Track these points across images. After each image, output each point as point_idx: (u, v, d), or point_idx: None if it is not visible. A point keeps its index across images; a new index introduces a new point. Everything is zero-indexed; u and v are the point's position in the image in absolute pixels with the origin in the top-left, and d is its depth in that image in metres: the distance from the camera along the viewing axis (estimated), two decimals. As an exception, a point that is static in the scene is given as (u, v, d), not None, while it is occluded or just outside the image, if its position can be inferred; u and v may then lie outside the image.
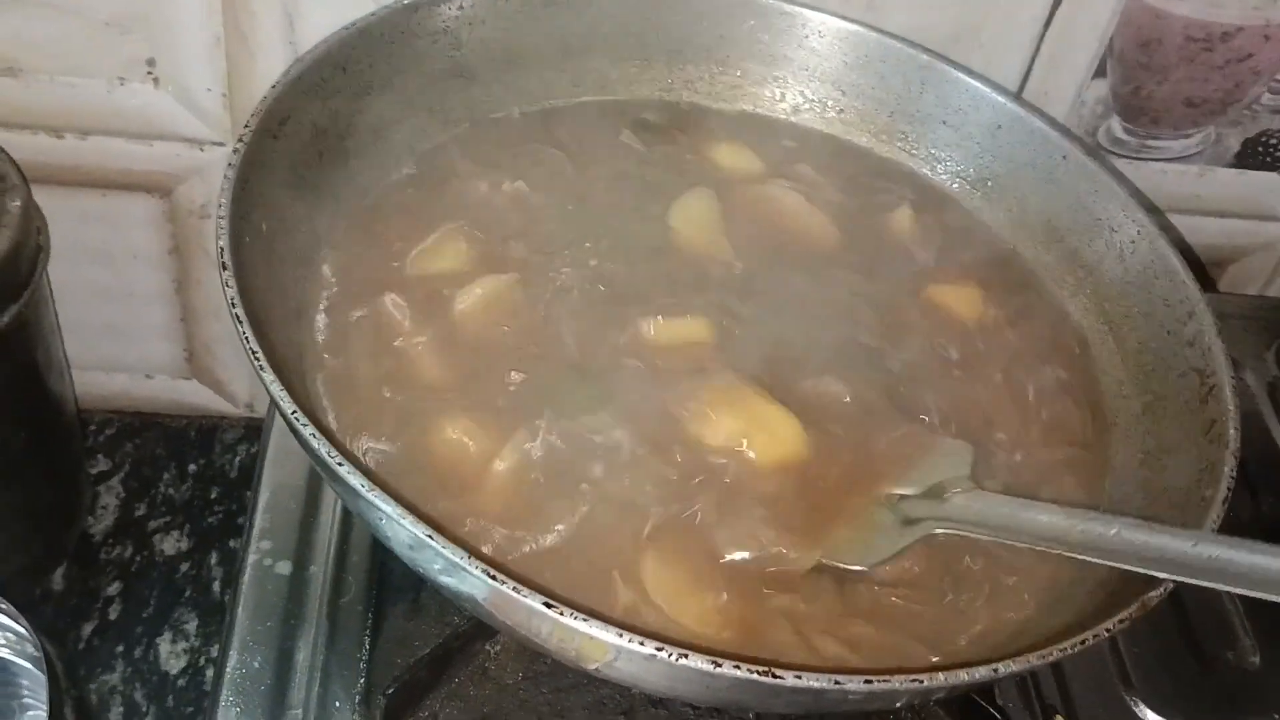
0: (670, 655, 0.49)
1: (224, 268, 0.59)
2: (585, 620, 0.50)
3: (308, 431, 0.54)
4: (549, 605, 0.50)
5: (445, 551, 0.51)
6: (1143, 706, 0.76)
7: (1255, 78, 1.00)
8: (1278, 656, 0.80)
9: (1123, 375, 0.78)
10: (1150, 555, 0.60)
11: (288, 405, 0.55)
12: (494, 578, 0.51)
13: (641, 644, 0.49)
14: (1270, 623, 0.81)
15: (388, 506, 0.52)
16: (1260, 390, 0.99)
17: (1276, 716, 0.77)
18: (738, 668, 0.49)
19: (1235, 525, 0.86)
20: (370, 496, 0.53)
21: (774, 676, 0.49)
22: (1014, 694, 0.74)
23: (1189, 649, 0.80)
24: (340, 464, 0.53)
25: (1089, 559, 0.61)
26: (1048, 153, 0.85)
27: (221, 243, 0.61)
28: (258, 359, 0.56)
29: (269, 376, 0.56)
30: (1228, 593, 0.59)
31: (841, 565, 0.65)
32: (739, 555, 0.64)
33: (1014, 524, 0.65)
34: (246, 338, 0.57)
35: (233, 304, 0.58)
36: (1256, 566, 0.56)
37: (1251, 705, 0.78)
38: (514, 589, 0.50)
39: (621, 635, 0.50)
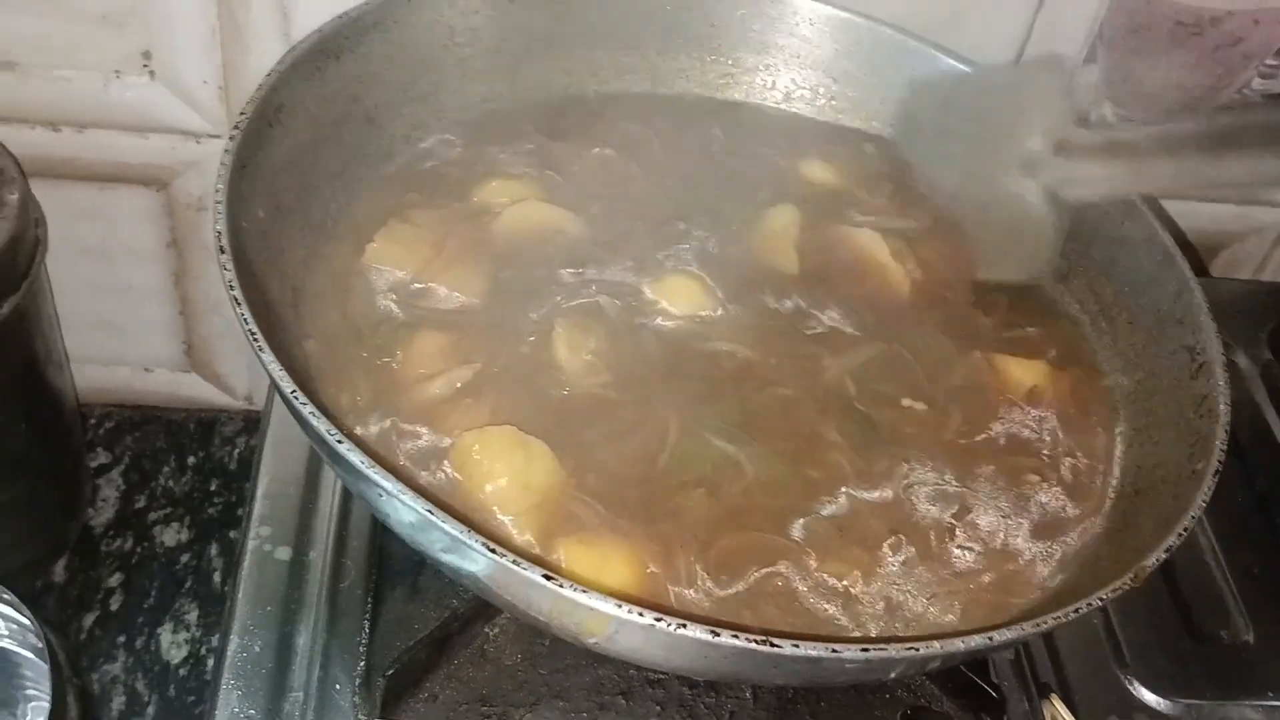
0: (669, 625, 0.50)
1: (222, 251, 0.60)
2: (585, 592, 0.50)
3: (307, 410, 0.55)
4: (548, 578, 0.51)
5: (446, 527, 0.52)
6: (1137, 684, 0.76)
7: (1245, 62, 1.01)
8: (1271, 633, 0.80)
9: (1113, 354, 0.79)
10: None
11: (287, 385, 0.55)
12: (494, 552, 0.51)
13: (640, 615, 0.50)
14: (1263, 599, 0.82)
15: (388, 483, 0.53)
16: (1254, 374, 1.00)
17: (1270, 694, 0.78)
18: (736, 637, 0.50)
19: (1231, 509, 0.88)
20: (371, 473, 0.53)
21: (772, 645, 0.50)
22: (1009, 672, 0.74)
23: (1183, 626, 0.80)
24: (340, 442, 0.54)
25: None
26: (1038, 136, 0.85)
27: (219, 227, 0.61)
28: (256, 340, 0.56)
29: (268, 356, 0.56)
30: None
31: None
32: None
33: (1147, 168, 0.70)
34: (245, 319, 0.57)
35: (231, 286, 0.58)
36: None
37: (1245, 681, 0.78)
38: (514, 562, 0.51)
39: (620, 606, 0.50)
